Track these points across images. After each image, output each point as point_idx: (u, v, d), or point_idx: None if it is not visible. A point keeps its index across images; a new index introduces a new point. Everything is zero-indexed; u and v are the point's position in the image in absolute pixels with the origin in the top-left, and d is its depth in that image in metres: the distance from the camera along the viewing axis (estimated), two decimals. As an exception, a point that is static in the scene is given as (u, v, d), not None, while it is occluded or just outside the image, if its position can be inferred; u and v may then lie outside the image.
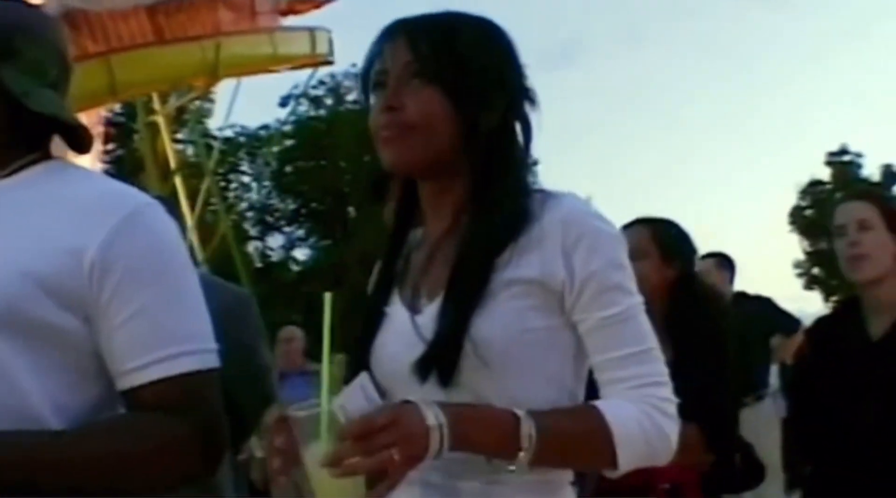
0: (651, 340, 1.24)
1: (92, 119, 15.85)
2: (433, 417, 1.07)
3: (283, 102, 25.20)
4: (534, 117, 1.33)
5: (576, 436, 1.18)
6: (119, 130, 22.74)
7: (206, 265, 14.98)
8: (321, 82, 26.33)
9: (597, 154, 52.84)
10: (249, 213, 27.71)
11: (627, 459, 1.17)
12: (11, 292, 1.19)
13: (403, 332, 1.27)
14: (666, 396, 1.21)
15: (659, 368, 1.22)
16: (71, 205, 1.27)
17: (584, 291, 1.21)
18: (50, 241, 1.23)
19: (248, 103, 44.74)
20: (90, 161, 15.81)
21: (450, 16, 1.31)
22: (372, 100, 1.31)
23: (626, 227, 2.55)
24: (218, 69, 14.11)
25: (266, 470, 1.20)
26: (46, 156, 1.38)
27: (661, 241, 2.56)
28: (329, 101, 27.16)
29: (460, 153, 1.27)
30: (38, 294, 1.20)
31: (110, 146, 22.77)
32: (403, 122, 1.25)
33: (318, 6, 17.14)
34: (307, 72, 18.74)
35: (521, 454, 1.12)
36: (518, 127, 1.32)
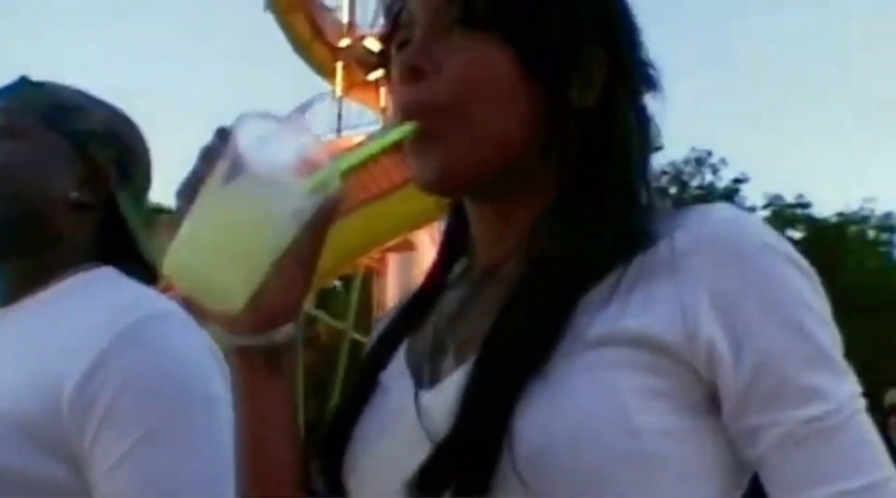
0: (885, 463, 0.68)
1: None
2: None
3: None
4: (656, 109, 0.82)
5: None
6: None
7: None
8: (664, 172, 25.64)
9: None
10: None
11: None
12: None
13: (403, 419, 0.76)
14: None
15: None
16: (70, 325, 1.06)
17: (760, 372, 0.68)
18: (35, 371, 1.03)
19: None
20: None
21: None
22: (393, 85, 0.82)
23: None
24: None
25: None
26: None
27: None
28: (673, 190, 26.33)
29: (536, 151, 0.78)
30: (15, 437, 0.99)
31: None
32: (436, 97, 0.76)
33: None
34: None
35: None
36: (633, 118, 0.81)
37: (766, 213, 23.77)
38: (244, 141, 0.67)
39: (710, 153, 24.11)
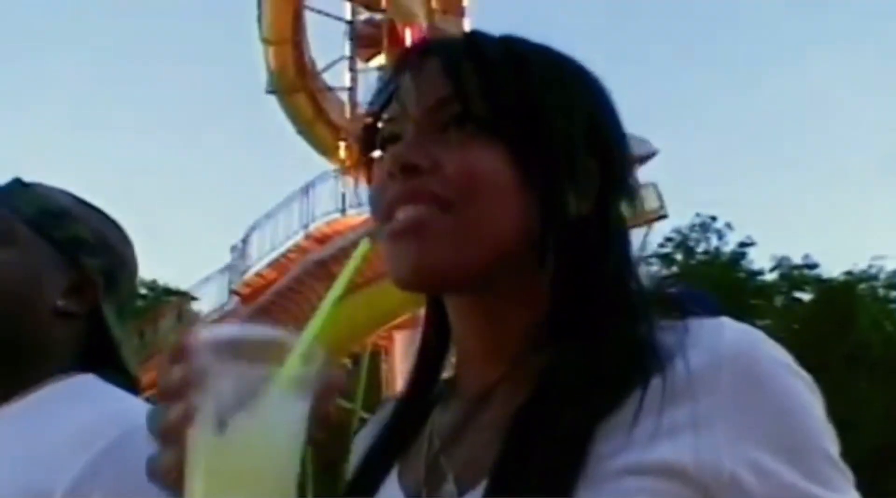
0: None
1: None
2: None
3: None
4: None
5: None
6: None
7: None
8: (668, 239, 25.61)
9: None
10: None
11: None
12: None
13: None
14: None
15: None
16: (52, 436, 1.04)
17: (788, 496, 0.67)
18: (18, 484, 1.01)
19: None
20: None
21: (514, 38, 0.82)
22: (376, 177, 0.80)
23: None
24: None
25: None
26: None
27: None
28: (679, 257, 26.32)
29: (530, 256, 0.77)
30: None
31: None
32: (437, 191, 0.74)
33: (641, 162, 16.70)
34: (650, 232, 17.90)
35: None
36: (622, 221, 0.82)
37: (774, 275, 23.74)
38: (213, 369, 0.60)
39: (714, 218, 24.16)
